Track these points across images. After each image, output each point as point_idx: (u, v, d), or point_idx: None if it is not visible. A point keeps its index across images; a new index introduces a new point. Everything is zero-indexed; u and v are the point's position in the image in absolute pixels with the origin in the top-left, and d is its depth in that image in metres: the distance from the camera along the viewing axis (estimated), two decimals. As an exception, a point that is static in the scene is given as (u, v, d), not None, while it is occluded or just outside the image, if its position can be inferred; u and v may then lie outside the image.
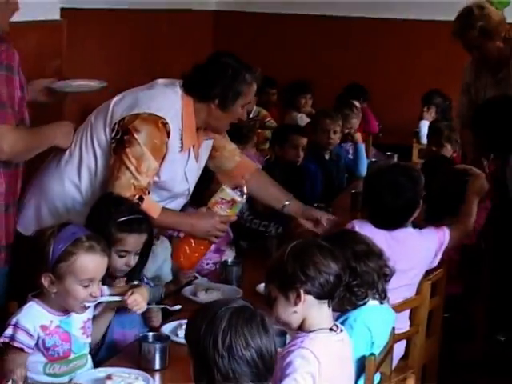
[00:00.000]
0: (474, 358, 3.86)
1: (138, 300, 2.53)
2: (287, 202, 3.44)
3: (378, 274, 2.54)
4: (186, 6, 7.25)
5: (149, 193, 3.00)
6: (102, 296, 2.48)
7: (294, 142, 4.66)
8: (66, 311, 2.44)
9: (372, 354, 2.43)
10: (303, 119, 6.57)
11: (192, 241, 3.09)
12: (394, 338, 2.85)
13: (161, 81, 3.18)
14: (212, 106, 3.07)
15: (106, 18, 5.67)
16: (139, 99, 3.03)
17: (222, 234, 3.11)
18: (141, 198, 2.95)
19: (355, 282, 2.50)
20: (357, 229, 2.91)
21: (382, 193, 2.98)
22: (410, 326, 3.06)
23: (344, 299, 2.45)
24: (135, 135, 2.94)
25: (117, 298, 2.55)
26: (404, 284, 2.97)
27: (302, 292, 2.20)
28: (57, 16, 4.26)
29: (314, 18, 7.89)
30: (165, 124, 2.98)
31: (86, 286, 2.38)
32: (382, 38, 7.75)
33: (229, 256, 3.51)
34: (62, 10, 4.31)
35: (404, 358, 3.07)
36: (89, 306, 2.43)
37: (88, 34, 5.41)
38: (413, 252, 3.03)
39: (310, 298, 2.21)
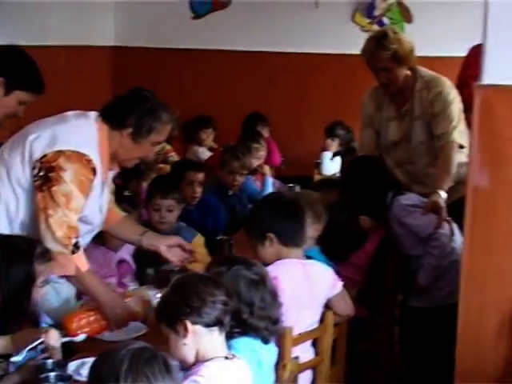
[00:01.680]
0: (380, 384, 3.95)
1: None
2: (142, 236, 3.38)
3: (263, 333, 2.58)
4: (83, 42, 7.25)
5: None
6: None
7: (189, 179, 4.67)
8: None
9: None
10: (205, 153, 6.65)
11: (94, 314, 3.00)
12: (300, 367, 2.92)
13: (71, 113, 3.18)
14: (124, 135, 3.09)
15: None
16: (58, 135, 3.01)
17: (120, 326, 3.02)
18: (77, 245, 2.95)
19: (237, 329, 2.51)
20: (276, 268, 2.92)
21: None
22: (315, 354, 3.12)
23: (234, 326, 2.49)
24: (61, 173, 2.93)
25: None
26: (307, 315, 3.03)
27: (188, 323, 2.27)
28: None
29: (213, 52, 8.00)
30: (89, 161, 2.99)
31: None
32: (282, 71, 7.92)
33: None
34: None
35: (311, 386, 3.12)
36: None
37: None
38: (318, 287, 3.11)
39: (198, 328, 2.28)
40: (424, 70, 4.11)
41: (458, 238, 3.68)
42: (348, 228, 3.89)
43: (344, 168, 4.04)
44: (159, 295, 2.93)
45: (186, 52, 8.02)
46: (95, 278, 3.07)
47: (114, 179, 3.51)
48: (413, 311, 3.86)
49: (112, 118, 3.10)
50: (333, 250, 3.75)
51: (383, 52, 3.96)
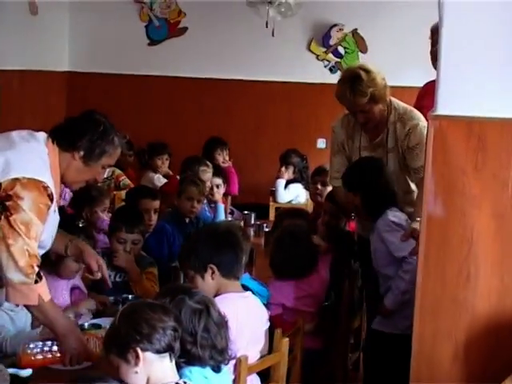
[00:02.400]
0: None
1: None
2: (70, 242, 3.35)
3: (209, 364, 2.57)
4: (38, 67, 7.21)
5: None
6: None
7: (144, 206, 4.62)
8: None
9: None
10: (160, 180, 6.63)
11: (50, 346, 2.94)
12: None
13: (16, 134, 3.10)
14: (76, 157, 3.06)
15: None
16: (11, 162, 2.93)
17: (73, 364, 2.94)
18: (39, 275, 2.90)
19: (182, 359, 2.49)
20: (221, 299, 2.92)
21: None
22: (268, 382, 3.11)
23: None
24: (19, 202, 2.86)
25: None
26: (252, 349, 3.03)
27: (139, 351, 2.26)
28: None
29: (169, 79, 8.02)
30: (46, 188, 2.93)
31: None
32: (238, 99, 7.98)
33: (86, 318, 3.45)
34: None
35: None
36: None
37: None
38: (258, 321, 3.11)
39: (148, 354, 2.27)
40: (397, 102, 4.07)
41: None
42: (305, 247, 3.91)
43: (356, 165, 3.93)
44: None
45: (142, 78, 8.03)
46: (57, 310, 3.01)
47: (65, 208, 3.48)
48: (376, 335, 3.85)
49: (63, 139, 3.06)
50: (291, 270, 3.82)
51: (360, 98, 3.89)
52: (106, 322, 3.16)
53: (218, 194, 5.86)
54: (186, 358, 2.48)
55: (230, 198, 6.55)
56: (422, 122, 3.91)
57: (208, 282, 2.96)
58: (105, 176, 6.20)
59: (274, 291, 3.77)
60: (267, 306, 3.57)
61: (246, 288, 3.16)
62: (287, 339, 3.15)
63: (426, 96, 4.24)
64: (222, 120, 8.00)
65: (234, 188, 6.80)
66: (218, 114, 8.04)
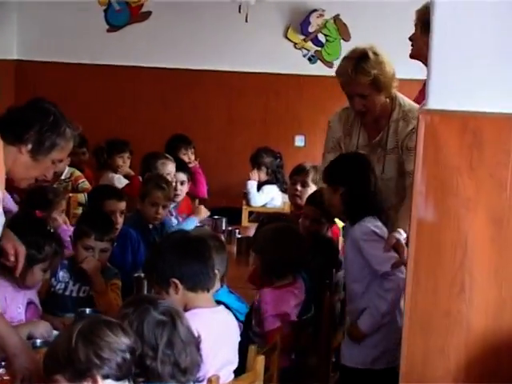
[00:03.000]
0: None
1: None
2: None
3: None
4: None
5: None
6: None
7: (109, 208, 4.60)
8: None
9: None
10: (121, 181, 6.60)
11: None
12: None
13: None
14: (23, 151, 3.03)
15: None
16: None
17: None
18: None
19: (141, 378, 2.47)
20: (190, 316, 2.92)
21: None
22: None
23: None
24: None
25: None
26: (226, 368, 3.04)
27: (99, 378, 2.24)
28: None
29: (130, 69, 8.01)
30: None
31: None
32: (208, 91, 7.99)
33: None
34: None
35: None
36: None
37: None
38: (231, 337, 3.13)
39: (108, 382, 2.25)
40: (403, 98, 4.03)
41: None
42: (302, 244, 3.91)
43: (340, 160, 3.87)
44: None
45: (100, 68, 8.02)
46: (7, 325, 2.93)
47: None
48: (349, 372, 3.79)
49: (8, 132, 3.02)
50: (291, 270, 3.82)
51: (362, 77, 3.82)
52: None
53: (182, 191, 5.86)
54: (144, 376, 2.47)
55: (197, 201, 6.56)
56: None
57: (173, 297, 2.95)
58: (62, 177, 6.23)
59: (272, 301, 3.72)
60: (260, 320, 3.61)
61: (220, 303, 3.17)
62: (263, 357, 3.15)
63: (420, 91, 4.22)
64: (189, 115, 8.01)
65: (201, 190, 6.81)
66: (184, 109, 8.04)
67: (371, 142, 4.01)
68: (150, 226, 5.04)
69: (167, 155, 5.96)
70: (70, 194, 5.87)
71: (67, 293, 3.93)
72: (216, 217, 6.00)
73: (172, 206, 5.74)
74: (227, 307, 3.30)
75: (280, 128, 7.99)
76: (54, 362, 2.27)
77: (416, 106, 3.95)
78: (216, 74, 7.94)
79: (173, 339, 2.53)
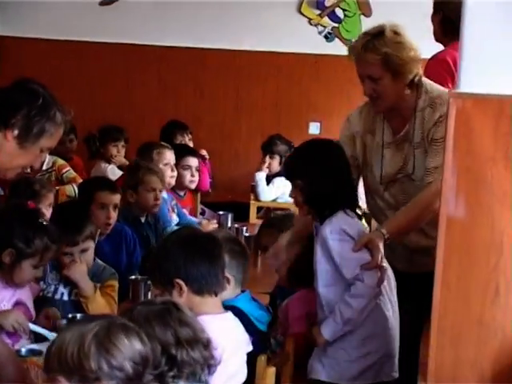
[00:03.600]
0: None
1: None
2: None
3: (201, 365, 2.59)
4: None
5: None
6: None
7: (100, 201, 4.60)
8: None
9: None
10: (114, 172, 6.60)
11: None
12: None
13: None
14: (9, 137, 3.03)
15: None
16: None
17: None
18: None
19: (171, 372, 2.52)
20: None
21: None
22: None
23: None
24: None
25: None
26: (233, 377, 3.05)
27: None
28: None
29: (124, 47, 8.02)
30: None
31: None
32: (212, 72, 7.98)
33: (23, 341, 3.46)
34: None
35: None
36: None
37: None
38: (240, 345, 3.13)
39: None
40: (431, 84, 3.91)
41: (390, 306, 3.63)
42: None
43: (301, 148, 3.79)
44: None
45: (92, 46, 8.02)
46: None
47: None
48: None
49: None
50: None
51: (370, 55, 3.72)
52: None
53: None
54: (174, 370, 2.49)
55: (199, 194, 6.56)
56: None
57: (177, 299, 2.94)
58: (44, 167, 6.23)
59: (299, 300, 3.72)
60: (286, 324, 3.60)
61: (228, 308, 3.17)
62: (273, 369, 3.17)
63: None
64: (192, 99, 8.00)
65: (203, 182, 6.80)
66: (186, 92, 8.03)
67: (396, 137, 3.91)
68: (142, 220, 5.08)
69: (163, 143, 5.98)
70: (57, 187, 5.86)
71: (57, 296, 3.93)
72: (221, 212, 6.00)
73: (173, 202, 5.77)
74: (243, 315, 3.29)
75: (292, 114, 7.99)
76: (61, 363, 2.24)
77: (445, 91, 3.87)
78: (221, 52, 7.92)
79: (185, 318, 2.58)
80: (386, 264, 3.55)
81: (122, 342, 2.25)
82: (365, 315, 3.51)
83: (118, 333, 2.26)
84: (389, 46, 3.71)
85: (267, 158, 6.99)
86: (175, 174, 5.83)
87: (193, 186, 6.22)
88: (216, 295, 3.06)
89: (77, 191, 5.59)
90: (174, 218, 5.71)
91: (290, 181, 3.70)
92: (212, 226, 5.77)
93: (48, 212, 4.80)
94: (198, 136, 7.31)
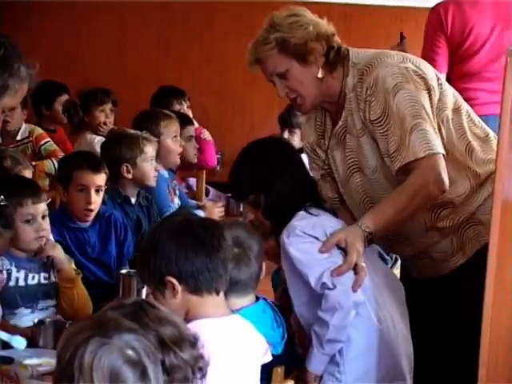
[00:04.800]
0: None
1: None
2: None
3: (191, 367, 2.57)
4: None
5: None
6: None
7: (79, 182, 4.54)
8: None
9: None
10: (103, 144, 6.60)
11: None
12: None
13: None
14: None
15: None
16: None
17: None
18: None
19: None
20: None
21: None
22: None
23: None
24: None
25: None
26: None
27: None
28: None
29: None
30: None
31: None
32: (217, 26, 8.00)
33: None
34: None
35: None
36: None
37: None
38: (249, 354, 3.11)
39: None
40: (358, 53, 3.74)
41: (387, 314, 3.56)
42: None
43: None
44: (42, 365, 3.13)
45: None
46: None
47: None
48: None
49: None
50: None
51: (263, 48, 3.66)
52: (18, 355, 3.24)
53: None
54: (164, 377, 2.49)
55: (204, 172, 6.55)
56: (383, 68, 3.56)
57: (171, 301, 2.96)
58: (18, 137, 6.24)
59: None
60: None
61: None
62: (291, 382, 3.20)
63: None
64: (197, 62, 8.02)
65: (209, 158, 6.81)
66: (190, 54, 8.04)
67: (337, 132, 3.76)
68: (133, 201, 5.11)
69: (168, 112, 5.95)
70: (34, 163, 5.86)
71: (12, 283, 3.93)
72: (230, 194, 5.99)
73: (174, 182, 5.78)
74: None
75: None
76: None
77: (374, 53, 3.71)
78: (233, 5, 7.90)
79: (164, 315, 2.55)
80: (363, 264, 3.39)
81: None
82: (347, 331, 3.38)
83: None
84: (279, 31, 3.63)
85: (286, 132, 6.98)
86: (181, 149, 5.86)
87: (195, 161, 6.27)
88: (218, 293, 3.03)
89: (56, 167, 5.61)
90: (176, 202, 5.74)
91: (243, 200, 3.71)
92: (218, 209, 5.77)
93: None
94: (205, 105, 7.29)
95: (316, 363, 3.42)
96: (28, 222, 3.91)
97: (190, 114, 7.00)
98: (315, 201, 3.60)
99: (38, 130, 6.37)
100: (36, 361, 3.22)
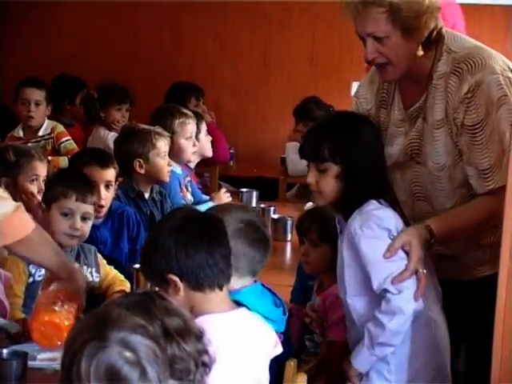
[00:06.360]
0: None
1: None
2: None
3: (195, 361, 2.56)
4: None
5: None
6: None
7: (92, 178, 4.42)
8: None
9: None
10: (117, 140, 6.61)
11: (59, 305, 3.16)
12: None
13: None
14: None
15: None
16: None
17: None
18: None
19: None
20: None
21: None
22: None
23: None
24: None
25: None
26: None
27: None
28: None
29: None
30: None
31: None
32: (233, 22, 7.96)
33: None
34: None
35: None
36: None
37: None
38: (257, 348, 3.10)
39: None
40: (454, 39, 3.58)
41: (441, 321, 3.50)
42: None
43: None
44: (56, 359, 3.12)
45: None
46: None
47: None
48: None
49: None
50: None
51: (372, 8, 3.43)
52: (32, 349, 3.27)
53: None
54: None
55: (217, 167, 6.54)
56: (496, 74, 3.39)
57: (174, 297, 2.93)
58: (40, 133, 6.25)
59: (338, 300, 3.62)
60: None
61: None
62: (305, 376, 3.16)
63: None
64: (211, 56, 8.00)
65: (221, 153, 6.78)
66: (204, 49, 8.03)
67: (407, 113, 3.64)
68: (146, 196, 5.12)
69: (185, 111, 5.93)
70: (50, 158, 5.84)
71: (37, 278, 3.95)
72: (244, 190, 6.02)
73: (187, 179, 5.77)
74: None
75: (332, 71, 7.95)
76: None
77: (476, 46, 3.54)
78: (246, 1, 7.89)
79: (172, 307, 2.55)
80: (424, 270, 3.32)
81: None
82: (401, 337, 3.34)
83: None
84: None
85: (301, 126, 6.95)
86: (195, 149, 5.85)
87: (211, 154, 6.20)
88: (221, 289, 3.01)
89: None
90: (188, 198, 5.72)
91: (317, 161, 3.58)
92: (226, 193, 5.75)
93: (33, 186, 4.73)
94: (218, 98, 7.27)
95: (363, 361, 3.41)
96: (65, 215, 3.97)
97: (205, 110, 7.00)
98: (385, 193, 3.48)
99: (60, 128, 6.36)
100: (49, 355, 3.25)
